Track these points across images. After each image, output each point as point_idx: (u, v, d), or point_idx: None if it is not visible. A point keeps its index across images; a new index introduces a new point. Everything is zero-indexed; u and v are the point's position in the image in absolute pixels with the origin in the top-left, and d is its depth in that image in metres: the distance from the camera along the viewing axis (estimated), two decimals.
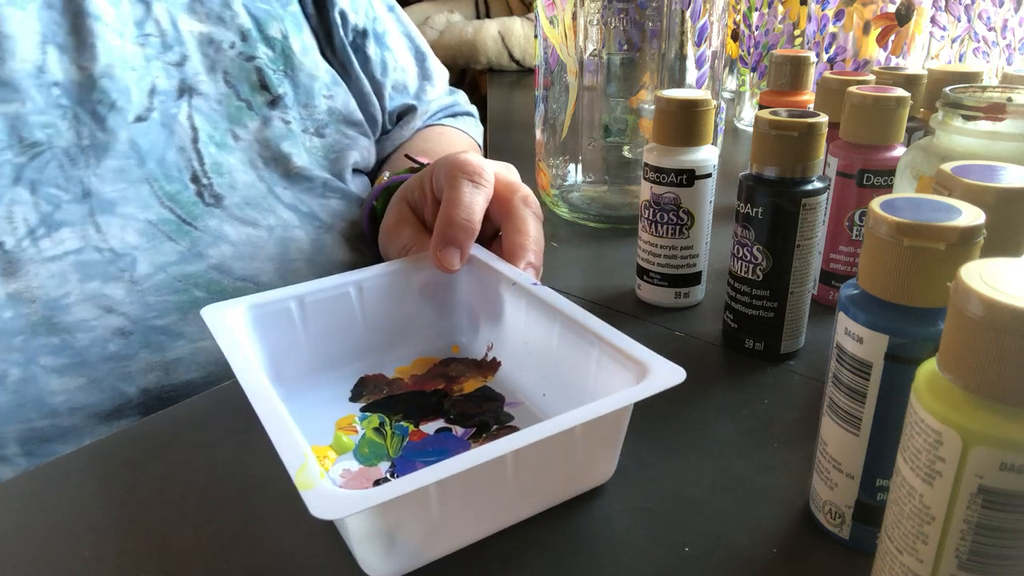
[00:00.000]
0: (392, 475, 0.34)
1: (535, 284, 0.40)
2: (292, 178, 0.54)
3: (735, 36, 0.96)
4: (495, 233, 0.48)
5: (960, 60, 0.86)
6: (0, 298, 0.42)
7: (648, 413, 0.38)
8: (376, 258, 0.55)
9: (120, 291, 0.45)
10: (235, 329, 0.36)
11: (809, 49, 0.81)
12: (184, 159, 0.49)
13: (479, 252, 0.43)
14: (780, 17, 0.87)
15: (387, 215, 0.50)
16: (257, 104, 0.54)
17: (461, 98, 0.80)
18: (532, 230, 0.45)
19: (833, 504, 0.30)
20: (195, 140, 0.50)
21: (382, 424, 0.38)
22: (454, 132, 0.75)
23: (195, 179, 0.49)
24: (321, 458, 0.35)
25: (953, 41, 0.85)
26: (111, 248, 0.45)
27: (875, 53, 0.77)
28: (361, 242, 0.57)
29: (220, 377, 0.48)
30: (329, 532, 0.31)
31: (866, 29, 0.77)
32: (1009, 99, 0.40)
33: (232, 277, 0.49)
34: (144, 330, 0.46)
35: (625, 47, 0.61)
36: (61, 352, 0.43)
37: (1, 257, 0.42)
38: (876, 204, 0.26)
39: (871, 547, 0.27)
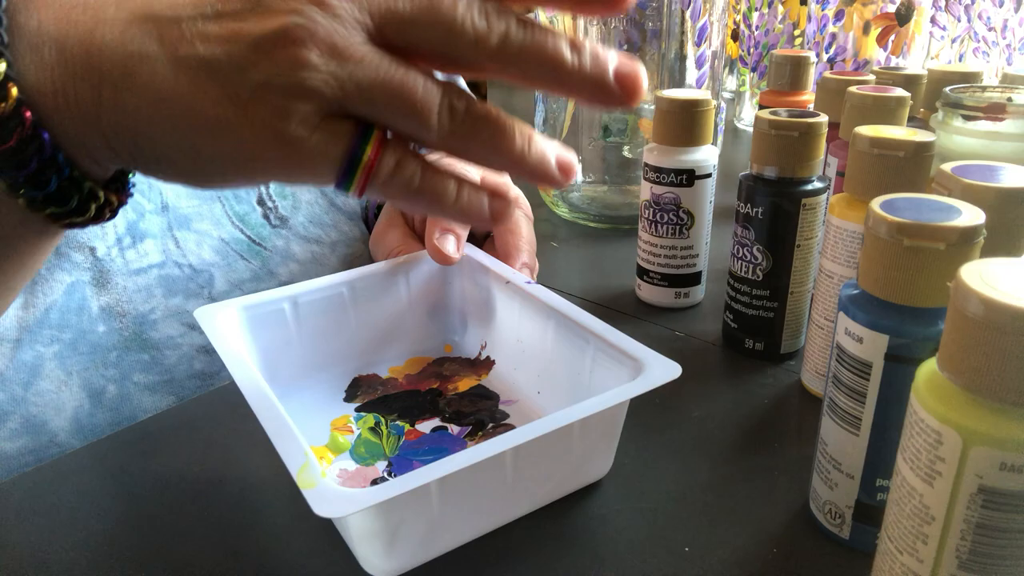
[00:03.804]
0: (389, 474, 0.34)
1: (528, 283, 0.40)
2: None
3: (735, 36, 0.96)
4: (486, 236, 0.48)
5: (960, 60, 0.86)
6: (94, 311, 0.42)
7: (648, 413, 0.38)
8: None
9: None
10: (229, 330, 0.36)
11: (809, 49, 0.81)
12: None
13: (471, 251, 0.43)
14: (780, 17, 0.87)
15: (379, 220, 0.50)
16: None
17: None
18: (524, 231, 0.45)
19: (833, 504, 0.30)
20: None
21: (378, 424, 0.38)
22: None
23: (261, 202, 0.50)
24: (319, 458, 0.35)
25: (953, 41, 0.85)
26: (190, 264, 0.46)
27: (875, 53, 0.77)
28: None
29: None
30: (329, 531, 0.31)
31: (866, 29, 0.77)
32: (1009, 99, 0.40)
33: None
34: None
35: (625, 47, 0.61)
36: (151, 369, 0.44)
37: (93, 265, 0.42)
38: (876, 204, 0.26)
39: (871, 547, 0.27)
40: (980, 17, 0.83)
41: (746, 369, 0.43)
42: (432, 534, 0.30)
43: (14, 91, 0.22)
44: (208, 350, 0.45)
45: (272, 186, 0.51)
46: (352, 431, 0.37)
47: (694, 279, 0.50)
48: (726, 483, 0.34)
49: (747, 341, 0.44)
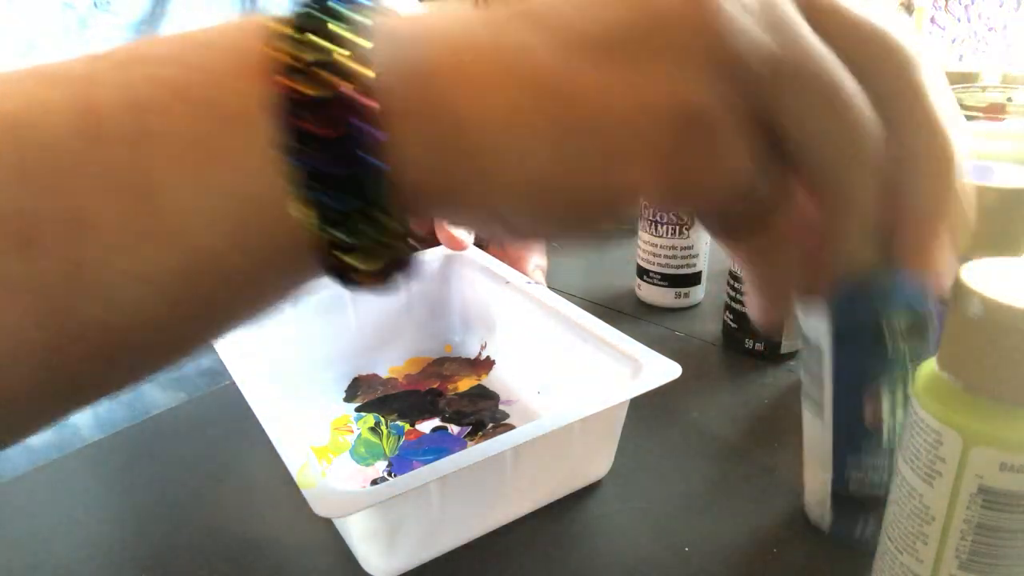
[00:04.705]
0: (389, 474, 0.34)
1: (528, 283, 0.40)
2: None
3: None
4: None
5: (960, 60, 0.86)
6: None
7: (648, 413, 0.38)
8: None
9: None
10: None
11: None
12: None
13: (472, 251, 0.43)
14: None
15: None
16: None
17: None
18: None
19: (813, 496, 0.31)
20: None
21: (377, 424, 0.38)
22: None
23: None
24: (319, 458, 0.35)
25: (953, 41, 0.85)
26: None
27: None
28: None
29: None
30: (329, 531, 0.31)
31: None
32: (1009, 99, 0.40)
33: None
34: None
35: None
36: None
37: None
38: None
39: (852, 537, 0.27)
40: (980, 17, 0.84)
41: (746, 369, 0.43)
42: (432, 534, 0.30)
43: (370, 73, 0.17)
44: (215, 347, 0.46)
45: None
46: (352, 431, 0.37)
47: (694, 279, 0.50)
48: (726, 483, 0.34)
49: (747, 341, 0.44)
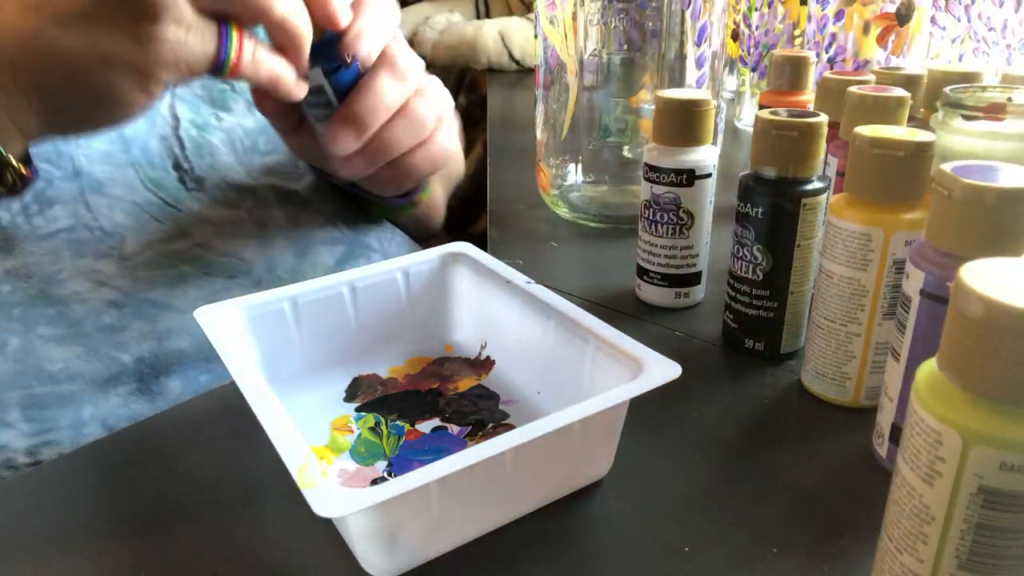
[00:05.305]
0: (389, 474, 0.34)
1: (528, 283, 0.40)
2: (271, 160, 0.55)
3: (735, 36, 0.96)
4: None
5: (960, 60, 0.86)
6: None
7: (648, 413, 0.38)
8: (354, 233, 0.57)
9: (111, 267, 0.46)
10: (229, 330, 0.36)
11: (809, 49, 0.80)
12: (165, 147, 0.51)
13: (472, 251, 0.43)
14: (780, 17, 0.87)
15: None
16: (240, 87, 0.56)
17: None
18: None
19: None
20: (176, 128, 0.52)
21: (378, 424, 0.38)
22: None
23: (177, 165, 0.51)
24: (319, 458, 0.35)
25: (953, 41, 0.85)
26: (101, 227, 0.46)
27: (875, 53, 0.77)
28: (339, 217, 0.58)
29: (211, 347, 0.49)
30: (329, 531, 0.31)
31: (866, 29, 0.77)
32: (1009, 99, 0.40)
33: (216, 253, 0.50)
34: (136, 302, 0.46)
35: (625, 47, 0.61)
36: (58, 322, 0.44)
37: None
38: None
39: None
40: (980, 17, 0.83)
41: (746, 369, 0.43)
42: (432, 534, 0.30)
43: None
44: (117, 305, 0.45)
45: (189, 146, 0.51)
46: (352, 431, 0.37)
47: (694, 279, 0.50)
48: (726, 483, 0.34)
49: (747, 341, 0.44)
